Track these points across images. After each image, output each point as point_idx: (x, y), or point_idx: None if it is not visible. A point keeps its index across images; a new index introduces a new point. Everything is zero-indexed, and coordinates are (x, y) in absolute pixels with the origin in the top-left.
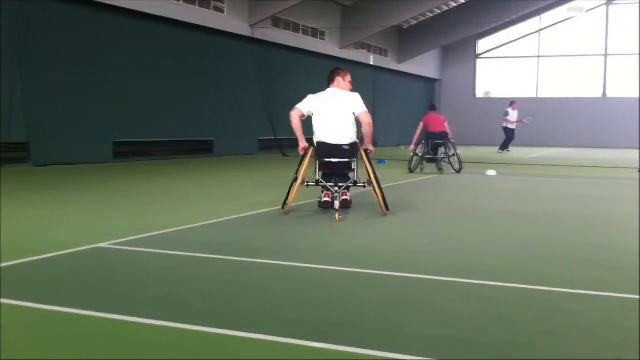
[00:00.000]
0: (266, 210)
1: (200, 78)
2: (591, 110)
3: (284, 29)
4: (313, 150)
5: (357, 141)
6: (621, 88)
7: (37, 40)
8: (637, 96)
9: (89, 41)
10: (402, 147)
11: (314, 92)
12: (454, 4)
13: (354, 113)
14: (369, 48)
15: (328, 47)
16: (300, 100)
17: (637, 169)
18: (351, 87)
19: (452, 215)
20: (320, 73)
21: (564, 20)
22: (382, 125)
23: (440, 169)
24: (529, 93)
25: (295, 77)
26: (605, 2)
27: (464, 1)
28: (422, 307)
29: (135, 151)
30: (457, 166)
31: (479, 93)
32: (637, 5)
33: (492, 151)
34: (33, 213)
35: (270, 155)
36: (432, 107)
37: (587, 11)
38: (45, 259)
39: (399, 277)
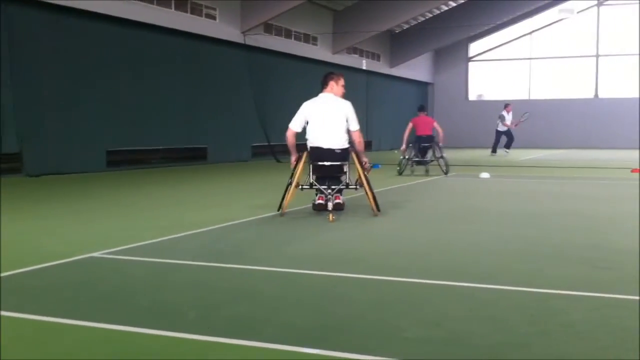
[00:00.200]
0: (260, 217)
1: (192, 85)
2: (583, 111)
3: (276, 35)
4: (307, 154)
5: (349, 146)
6: (613, 89)
7: (27, 49)
8: (629, 96)
9: (80, 50)
10: (396, 151)
11: (307, 98)
12: (445, 8)
13: (347, 121)
14: (361, 53)
15: (320, 52)
16: (292, 107)
17: (631, 169)
18: (344, 90)
19: (445, 217)
20: (314, 78)
21: (555, 22)
22: (375, 129)
23: (427, 171)
24: (521, 95)
25: (288, 83)
26: (596, 3)
27: (455, 4)
28: (416, 310)
29: (129, 159)
30: (444, 168)
31: (472, 96)
32: (627, 6)
33: (485, 154)
34: (25, 223)
35: (264, 162)
36: (421, 108)
37: (578, 12)
38: (37, 270)
39: (392, 281)
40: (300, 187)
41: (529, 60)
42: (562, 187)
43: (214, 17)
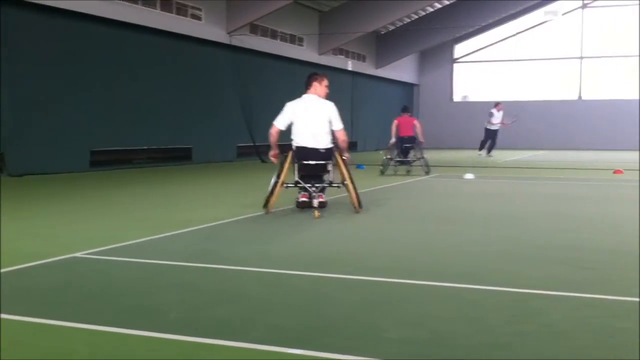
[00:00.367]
0: (245, 216)
1: (178, 85)
2: (567, 113)
3: (262, 35)
4: (292, 154)
5: (333, 146)
6: (596, 90)
7: (12, 48)
8: (612, 98)
9: (63, 50)
10: (381, 152)
11: (293, 99)
12: (430, 9)
13: (330, 122)
14: (347, 54)
15: (307, 53)
16: (278, 108)
17: (613, 171)
18: (328, 91)
19: (429, 218)
20: (300, 79)
21: (540, 24)
22: (361, 130)
23: (408, 171)
24: (506, 96)
25: (274, 83)
26: (580, 5)
27: (440, 6)
28: (398, 311)
29: (113, 159)
30: (425, 169)
31: (457, 97)
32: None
33: (470, 155)
34: (7, 224)
35: (249, 162)
36: (405, 109)
37: (563, 15)
38: (19, 270)
39: (376, 281)
40: (285, 185)
41: (513, 62)
42: (546, 188)
43: (199, 18)
